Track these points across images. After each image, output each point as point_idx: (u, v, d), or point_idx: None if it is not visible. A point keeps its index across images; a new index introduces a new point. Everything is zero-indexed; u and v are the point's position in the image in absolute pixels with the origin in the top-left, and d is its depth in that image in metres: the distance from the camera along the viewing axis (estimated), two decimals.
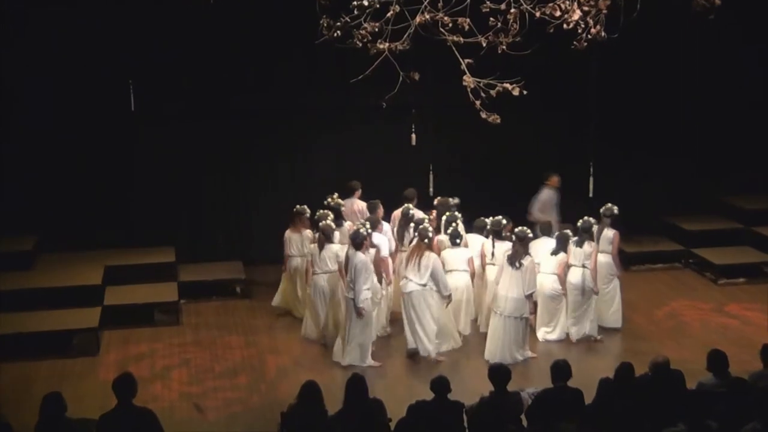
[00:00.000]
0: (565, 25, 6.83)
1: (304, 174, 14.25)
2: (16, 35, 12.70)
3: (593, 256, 11.35)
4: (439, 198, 12.41)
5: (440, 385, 7.88)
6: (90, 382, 10.48)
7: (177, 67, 13.30)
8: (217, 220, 14.28)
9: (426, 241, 10.89)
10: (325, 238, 11.34)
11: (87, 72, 13.00)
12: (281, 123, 13.99)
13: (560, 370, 8.04)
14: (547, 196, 13.30)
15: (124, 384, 7.38)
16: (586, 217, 11.56)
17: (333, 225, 11.53)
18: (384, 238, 11.55)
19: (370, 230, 10.95)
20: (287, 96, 13.73)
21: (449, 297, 10.96)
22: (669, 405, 7.68)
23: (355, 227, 11.20)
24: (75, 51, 12.89)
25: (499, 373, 8.02)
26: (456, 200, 12.34)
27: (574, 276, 11.34)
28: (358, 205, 12.63)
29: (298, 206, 12.22)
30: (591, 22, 6.80)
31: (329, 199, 12.19)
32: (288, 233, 12.14)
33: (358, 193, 12.77)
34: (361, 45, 7.10)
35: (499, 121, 7.37)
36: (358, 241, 10.64)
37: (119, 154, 13.61)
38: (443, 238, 11.64)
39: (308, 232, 12.05)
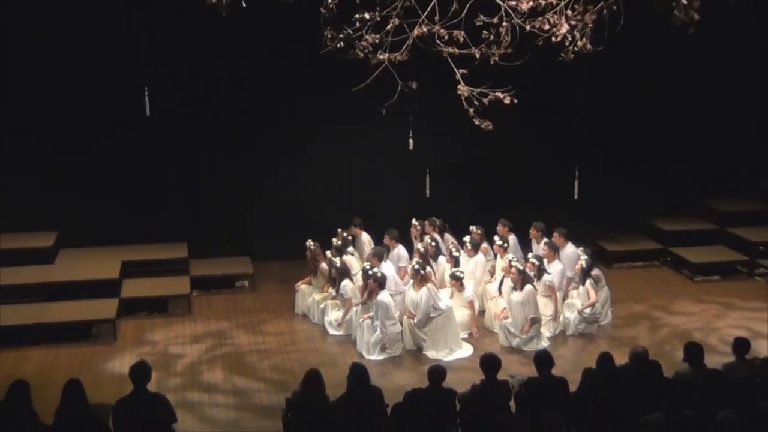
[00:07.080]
0: (553, 38, 6.83)
1: (307, 175, 14.23)
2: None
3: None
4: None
5: (436, 374, 7.89)
6: (107, 369, 10.51)
7: (190, 70, 13.33)
8: (227, 218, 14.24)
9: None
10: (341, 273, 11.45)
11: (100, 71, 12.93)
12: (286, 126, 13.94)
13: (542, 360, 8.07)
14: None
15: (139, 371, 7.39)
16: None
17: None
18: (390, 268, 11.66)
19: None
20: (293, 102, 13.70)
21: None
22: (648, 393, 7.68)
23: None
24: (84, 52, 12.82)
25: (490, 362, 8.03)
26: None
27: None
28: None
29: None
30: (578, 35, 6.80)
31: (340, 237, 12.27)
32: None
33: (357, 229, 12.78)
34: (362, 55, 7.11)
35: (491, 127, 7.40)
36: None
37: (135, 157, 13.57)
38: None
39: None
